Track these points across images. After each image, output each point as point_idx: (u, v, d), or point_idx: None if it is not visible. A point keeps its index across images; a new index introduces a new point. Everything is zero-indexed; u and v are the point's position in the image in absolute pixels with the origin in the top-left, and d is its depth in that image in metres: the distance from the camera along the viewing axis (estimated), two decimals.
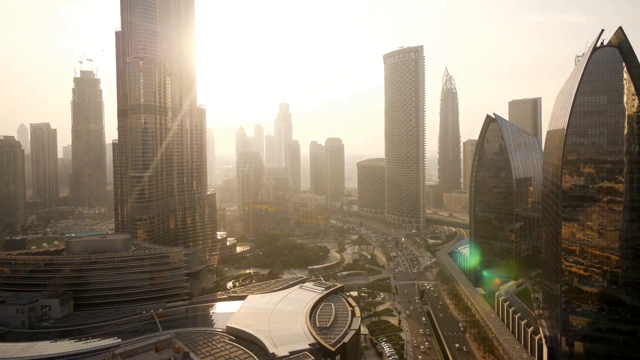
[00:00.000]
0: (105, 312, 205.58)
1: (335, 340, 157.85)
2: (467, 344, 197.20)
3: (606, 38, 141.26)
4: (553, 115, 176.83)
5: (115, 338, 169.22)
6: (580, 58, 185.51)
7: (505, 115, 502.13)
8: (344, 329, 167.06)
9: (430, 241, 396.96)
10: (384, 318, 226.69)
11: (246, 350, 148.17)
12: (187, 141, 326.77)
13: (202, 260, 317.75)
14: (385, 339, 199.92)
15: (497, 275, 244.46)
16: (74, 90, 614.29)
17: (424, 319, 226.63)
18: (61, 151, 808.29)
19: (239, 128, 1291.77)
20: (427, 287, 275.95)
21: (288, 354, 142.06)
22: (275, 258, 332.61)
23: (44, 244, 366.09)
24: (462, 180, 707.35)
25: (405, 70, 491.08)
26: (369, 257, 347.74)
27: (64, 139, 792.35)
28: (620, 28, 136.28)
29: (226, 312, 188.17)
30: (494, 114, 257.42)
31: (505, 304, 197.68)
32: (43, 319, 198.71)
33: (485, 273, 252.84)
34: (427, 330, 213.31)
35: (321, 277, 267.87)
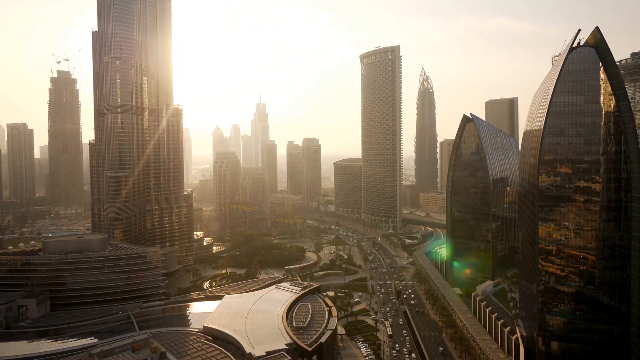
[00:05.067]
0: (82, 312, 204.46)
1: (312, 340, 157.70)
2: (444, 344, 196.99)
3: (583, 38, 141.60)
4: (530, 115, 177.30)
5: (92, 338, 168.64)
6: (557, 58, 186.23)
7: (482, 115, 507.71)
8: (321, 329, 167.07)
9: (407, 241, 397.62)
10: (360, 318, 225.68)
11: (223, 350, 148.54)
12: (163, 141, 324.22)
13: (178, 260, 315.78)
14: (362, 339, 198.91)
15: (474, 275, 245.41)
16: (50, 90, 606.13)
17: (400, 320, 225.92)
18: (38, 151, 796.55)
19: (215, 128, 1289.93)
20: (402, 287, 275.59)
21: (265, 353, 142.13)
22: (252, 258, 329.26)
23: (21, 244, 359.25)
24: (438, 180, 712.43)
25: (382, 70, 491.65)
26: (346, 257, 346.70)
27: (41, 139, 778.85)
28: (597, 28, 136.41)
29: (203, 312, 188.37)
30: (470, 113, 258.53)
31: (482, 304, 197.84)
32: (20, 319, 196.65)
33: (461, 273, 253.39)
34: (404, 330, 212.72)
35: (298, 277, 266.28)
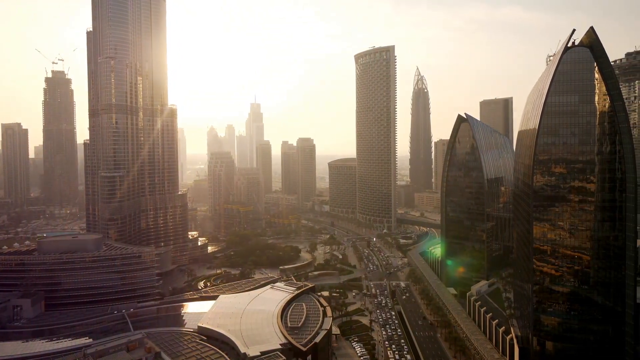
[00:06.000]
0: (76, 312, 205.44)
1: (306, 340, 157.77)
2: (439, 344, 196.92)
3: (578, 38, 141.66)
4: (524, 115, 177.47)
5: (87, 338, 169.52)
6: (551, 58, 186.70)
7: (476, 115, 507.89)
8: (316, 329, 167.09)
9: (402, 241, 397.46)
10: (355, 318, 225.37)
11: (217, 350, 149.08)
12: (158, 141, 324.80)
13: (173, 260, 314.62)
14: (356, 339, 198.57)
15: (469, 275, 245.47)
16: (45, 90, 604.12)
17: (395, 320, 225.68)
18: (32, 151, 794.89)
19: (210, 128, 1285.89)
20: (397, 287, 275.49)
21: (259, 354, 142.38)
22: (247, 258, 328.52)
23: (16, 244, 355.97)
24: (433, 180, 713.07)
25: (376, 70, 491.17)
26: (341, 257, 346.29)
27: (36, 139, 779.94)
28: (591, 28, 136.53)
29: (197, 312, 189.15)
30: (465, 113, 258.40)
31: (477, 304, 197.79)
32: (14, 319, 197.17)
33: (456, 273, 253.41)
34: (399, 330, 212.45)
35: (292, 277, 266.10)
